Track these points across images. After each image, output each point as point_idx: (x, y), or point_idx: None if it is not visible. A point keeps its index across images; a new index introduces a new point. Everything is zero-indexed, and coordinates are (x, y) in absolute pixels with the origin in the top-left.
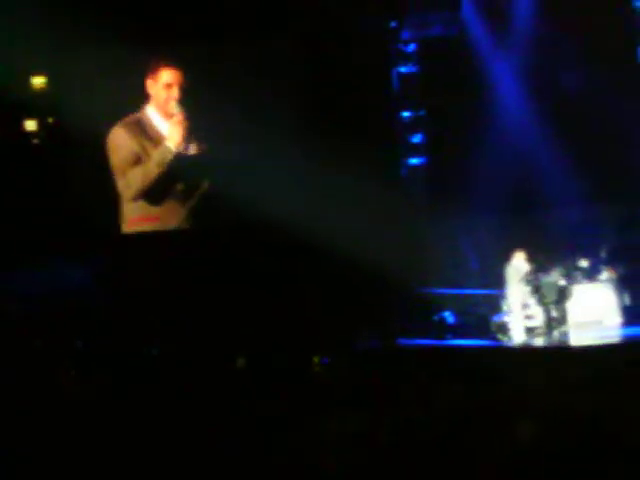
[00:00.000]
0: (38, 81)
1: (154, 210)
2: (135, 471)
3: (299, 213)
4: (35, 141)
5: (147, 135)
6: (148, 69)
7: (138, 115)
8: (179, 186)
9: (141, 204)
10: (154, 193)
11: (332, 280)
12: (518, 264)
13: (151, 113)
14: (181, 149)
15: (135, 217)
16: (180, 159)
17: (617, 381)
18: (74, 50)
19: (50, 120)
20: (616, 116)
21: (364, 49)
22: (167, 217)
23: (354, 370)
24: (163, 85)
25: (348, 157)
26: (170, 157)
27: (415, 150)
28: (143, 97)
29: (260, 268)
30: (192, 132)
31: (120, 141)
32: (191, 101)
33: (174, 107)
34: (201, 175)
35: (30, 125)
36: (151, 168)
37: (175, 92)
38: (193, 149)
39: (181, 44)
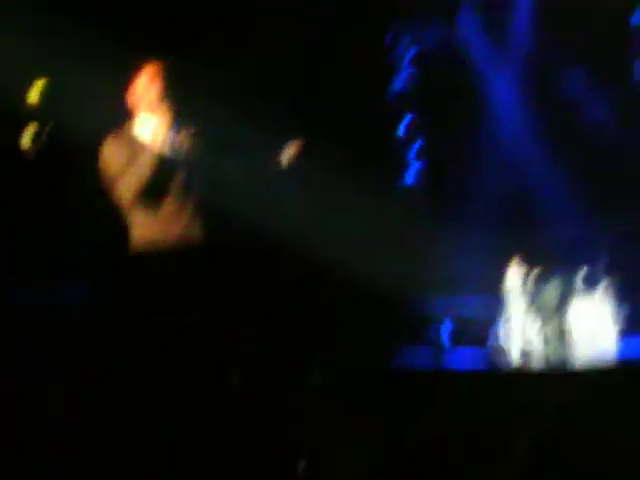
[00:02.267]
0: (39, 85)
1: (159, 216)
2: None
3: (295, 221)
4: (36, 147)
5: (137, 140)
6: (130, 76)
7: (126, 125)
8: (177, 188)
9: (145, 212)
10: (153, 194)
11: (330, 293)
12: (515, 278)
13: (140, 118)
14: (170, 136)
15: (145, 228)
16: (173, 158)
17: (617, 402)
18: (75, 57)
19: (51, 126)
20: (614, 130)
21: (362, 64)
22: (171, 223)
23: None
24: (145, 84)
25: (345, 167)
26: (161, 144)
27: (411, 165)
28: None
29: (257, 280)
30: (178, 121)
31: (109, 156)
32: (175, 95)
33: (159, 102)
34: (197, 177)
35: (31, 130)
36: (145, 160)
37: (157, 87)
38: (182, 139)
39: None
